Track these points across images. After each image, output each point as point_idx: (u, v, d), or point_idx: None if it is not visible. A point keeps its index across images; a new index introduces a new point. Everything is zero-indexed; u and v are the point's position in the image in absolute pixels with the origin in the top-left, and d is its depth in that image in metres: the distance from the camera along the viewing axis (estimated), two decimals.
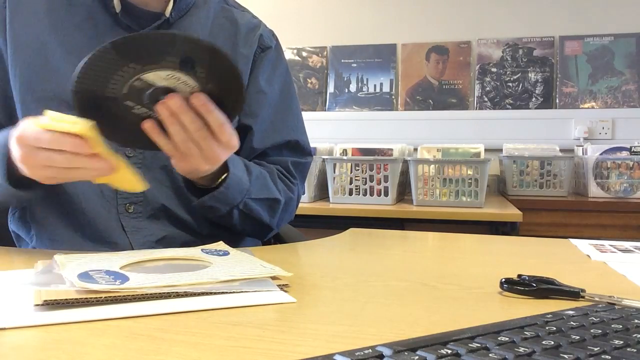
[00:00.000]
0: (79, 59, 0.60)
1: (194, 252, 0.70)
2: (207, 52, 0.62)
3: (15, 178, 0.73)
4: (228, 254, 0.69)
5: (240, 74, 0.66)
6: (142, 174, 0.86)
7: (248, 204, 0.86)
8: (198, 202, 0.83)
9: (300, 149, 1.01)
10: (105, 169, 0.66)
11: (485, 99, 2.48)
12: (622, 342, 0.36)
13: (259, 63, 0.97)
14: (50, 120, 0.64)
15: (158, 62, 0.62)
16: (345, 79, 2.63)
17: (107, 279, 0.53)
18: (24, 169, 0.68)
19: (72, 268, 0.57)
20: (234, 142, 0.72)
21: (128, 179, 0.69)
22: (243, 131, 0.94)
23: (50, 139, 0.63)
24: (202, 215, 0.88)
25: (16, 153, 0.67)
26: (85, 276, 0.53)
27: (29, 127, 0.65)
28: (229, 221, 0.88)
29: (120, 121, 0.68)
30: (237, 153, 0.96)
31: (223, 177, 0.81)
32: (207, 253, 0.69)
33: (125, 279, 0.54)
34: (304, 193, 1.06)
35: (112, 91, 0.64)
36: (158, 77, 0.63)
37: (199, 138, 0.68)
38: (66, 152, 0.64)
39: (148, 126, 0.67)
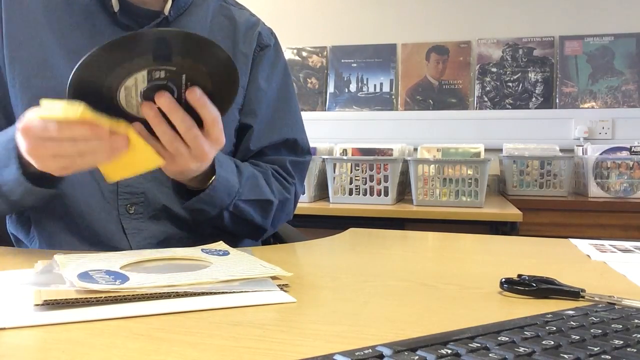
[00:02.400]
0: (78, 58, 0.59)
1: (194, 252, 0.70)
2: (182, 39, 0.60)
3: (30, 172, 0.71)
4: (228, 254, 0.69)
5: (230, 58, 0.63)
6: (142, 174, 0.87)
7: (238, 206, 0.85)
8: (185, 205, 0.81)
9: (298, 148, 1.00)
10: (121, 144, 0.62)
11: (485, 99, 2.48)
12: (622, 342, 0.36)
13: (258, 61, 0.96)
14: (46, 109, 0.60)
15: (132, 62, 0.59)
16: (345, 78, 2.63)
17: (107, 279, 0.53)
18: (34, 162, 0.65)
19: (72, 268, 0.57)
20: (223, 139, 0.69)
21: (143, 151, 0.64)
22: (243, 130, 0.94)
23: (59, 127, 0.60)
24: (192, 217, 0.87)
25: (23, 146, 0.64)
26: (85, 276, 0.53)
27: (33, 118, 0.62)
28: (220, 223, 0.87)
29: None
30: (234, 152, 0.96)
31: (212, 179, 0.79)
32: (207, 253, 0.69)
33: (125, 278, 0.54)
34: (303, 192, 1.05)
35: (108, 92, 0.62)
36: (143, 78, 0.62)
37: (189, 137, 0.66)
38: (77, 139, 0.61)
39: (138, 129, 0.65)
